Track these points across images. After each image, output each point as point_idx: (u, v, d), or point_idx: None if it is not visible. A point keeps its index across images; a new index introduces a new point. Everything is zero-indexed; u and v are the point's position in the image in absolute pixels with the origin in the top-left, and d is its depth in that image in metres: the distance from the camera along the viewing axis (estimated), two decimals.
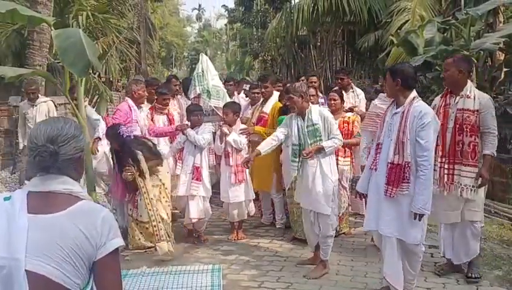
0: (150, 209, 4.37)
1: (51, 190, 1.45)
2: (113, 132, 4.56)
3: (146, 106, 5.51)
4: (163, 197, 4.73)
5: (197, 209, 4.89)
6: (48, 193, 1.45)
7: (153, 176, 4.63)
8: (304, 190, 4.15)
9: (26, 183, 1.51)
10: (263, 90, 5.56)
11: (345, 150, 4.97)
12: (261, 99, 5.69)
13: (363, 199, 3.77)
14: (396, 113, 3.35)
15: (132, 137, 4.57)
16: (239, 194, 5.01)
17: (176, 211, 5.56)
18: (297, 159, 4.12)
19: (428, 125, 3.21)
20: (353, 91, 6.30)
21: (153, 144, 4.88)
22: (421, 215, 3.23)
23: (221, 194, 5.17)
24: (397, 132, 3.27)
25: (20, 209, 1.40)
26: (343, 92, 5.76)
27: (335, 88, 5.87)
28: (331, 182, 4.03)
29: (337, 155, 4.76)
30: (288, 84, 4.71)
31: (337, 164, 4.52)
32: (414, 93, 3.36)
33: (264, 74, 6.93)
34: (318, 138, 4.04)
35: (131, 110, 4.95)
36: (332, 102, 5.02)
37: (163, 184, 4.75)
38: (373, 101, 4.51)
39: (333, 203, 4.07)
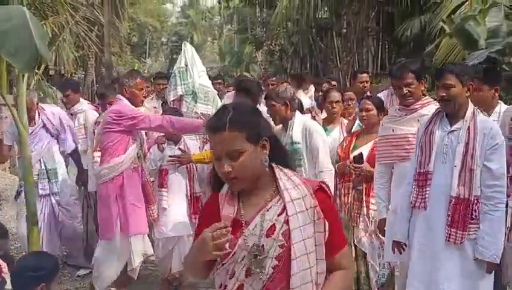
0: None
1: None
2: None
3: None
4: None
5: None
6: None
7: None
8: None
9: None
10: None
11: None
12: None
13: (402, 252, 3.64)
14: (454, 130, 3.37)
15: None
16: None
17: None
18: None
19: (501, 146, 3.27)
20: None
21: None
22: (494, 266, 3.25)
23: None
24: (462, 155, 3.28)
25: None
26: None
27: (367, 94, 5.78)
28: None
29: (367, 195, 4.37)
30: (277, 87, 4.79)
31: (368, 207, 4.31)
32: (471, 102, 3.42)
33: (238, 81, 6.97)
34: (297, 161, 4.10)
35: None
36: (364, 114, 4.53)
37: None
38: (381, 121, 4.30)
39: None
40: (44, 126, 5.52)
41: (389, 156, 4.01)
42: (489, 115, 4.21)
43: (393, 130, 3.98)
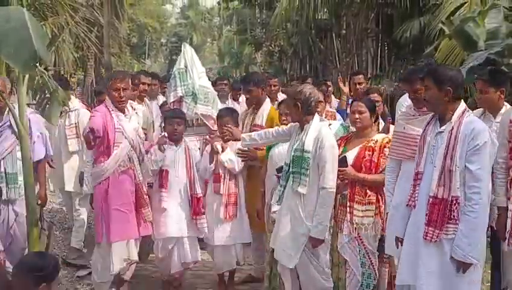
0: None
1: None
2: None
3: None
4: None
5: (194, 250, 5.00)
6: None
7: None
8: (275, 230, 4.24)
9: None
10: (248, 95, 5.53)
11: (365, 193, 4.31)
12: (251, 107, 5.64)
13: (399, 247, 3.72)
14: (440, 132, 3.41)
15: None
16: (229, 234, 5.03)
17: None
18: (284, 184, 4.19)
19: (483, 147, 3.27)
20: None
21: None
22: (467, 266, 3.26)
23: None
24: (443, 157, 3.33)
25: None
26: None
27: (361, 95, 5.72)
28: (305, 227, 4.02)
29: (351, 200, 4.30)
30: (293, 85, 4.72)
31: (352, 213, 4.25)
32: (463, 104, 3.42)
33: (246, 75, 7.00)
34: (303, 170, 4.02)
35: (111, 115, 4.74)
36: (357, 116, 4.39)
37: None
38: (397, 117, 4.43)
39: (315, 258, 4.09)
40: (10, 126, 4.83)
41: (398, 153, 4.06)
42: (495, 117, 4.26)
43: (404, 128, 4.03)
